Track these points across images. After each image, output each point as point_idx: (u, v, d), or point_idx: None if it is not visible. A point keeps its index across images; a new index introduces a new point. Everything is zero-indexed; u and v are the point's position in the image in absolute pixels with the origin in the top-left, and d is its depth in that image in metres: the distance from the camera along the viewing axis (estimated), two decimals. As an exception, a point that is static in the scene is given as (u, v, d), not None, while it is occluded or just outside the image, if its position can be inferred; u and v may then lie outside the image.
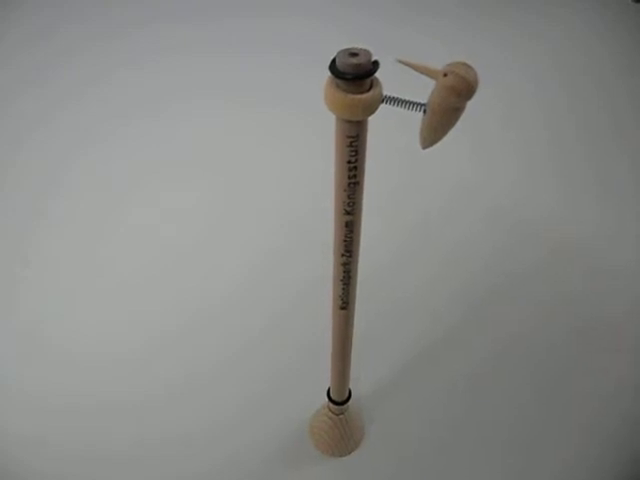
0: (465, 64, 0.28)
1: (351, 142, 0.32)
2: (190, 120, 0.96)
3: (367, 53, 0.29)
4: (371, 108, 0.30)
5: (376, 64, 0.29)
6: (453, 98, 0.28)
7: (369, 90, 0.30)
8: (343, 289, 0.40)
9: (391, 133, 0.87)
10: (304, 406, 0.57)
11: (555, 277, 0.73)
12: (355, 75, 0.29)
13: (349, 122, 0.31)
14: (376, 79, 0.31)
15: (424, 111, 0.30)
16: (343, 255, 0.38)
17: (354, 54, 0.29)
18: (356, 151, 0.32)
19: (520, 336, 0.66)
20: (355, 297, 0.41)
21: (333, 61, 0.29)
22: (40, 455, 0.55)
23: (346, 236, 0.36)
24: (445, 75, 0.28)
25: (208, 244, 0.76)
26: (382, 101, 0.30)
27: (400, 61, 0.30)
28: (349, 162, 0.33)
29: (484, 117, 0.98)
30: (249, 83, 1.03)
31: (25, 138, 0.92)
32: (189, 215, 0.80)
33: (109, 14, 1.21)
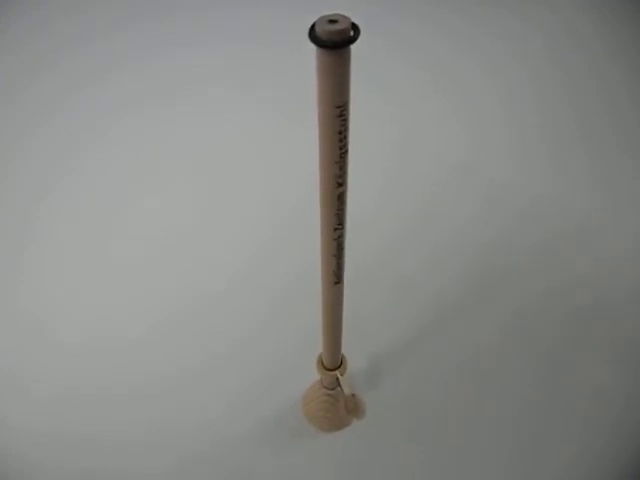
0: (357, 400, 0.50)
1: (341, 112, 0.31)
2: (188, 117, 0.98)
3: (346, 19, 0.28)
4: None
5: (356, 29, 0.28)
6: (349, 408, 0.50)
7: (339, 367, 0.50)
8: (337, 264, 0.39)
9: (389, 122, 0.88)
10: (298, 386, 0.58)
11: (554, 260, 0.73)
12: (337, 42, 0.28)
13: (337, 95, 0.31)
14: (345, 360, 0.50)
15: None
16: (336, 229, 0.37)
17: (333, 21, 0.28)
18: (345, 119, 0.32)
19: (520, 319, 0.66)
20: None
21: (312, 30, 0.28)
22: (39, 446, 0.57)
23: (338, 209, 0.36)
24: (347, 404, 0.49)
25: (206, 238, 0.77)
26: (337, 379, 0.50)
27: (337, 379, 0.50)
28: (340, 132, 0.32)
29: (482, 102, 0.98)
30: (246, 80, 1.05)
31: (25, 138, 0.94)
32: (186, 213, 0.82)
33: (96, 14, 1.22)
